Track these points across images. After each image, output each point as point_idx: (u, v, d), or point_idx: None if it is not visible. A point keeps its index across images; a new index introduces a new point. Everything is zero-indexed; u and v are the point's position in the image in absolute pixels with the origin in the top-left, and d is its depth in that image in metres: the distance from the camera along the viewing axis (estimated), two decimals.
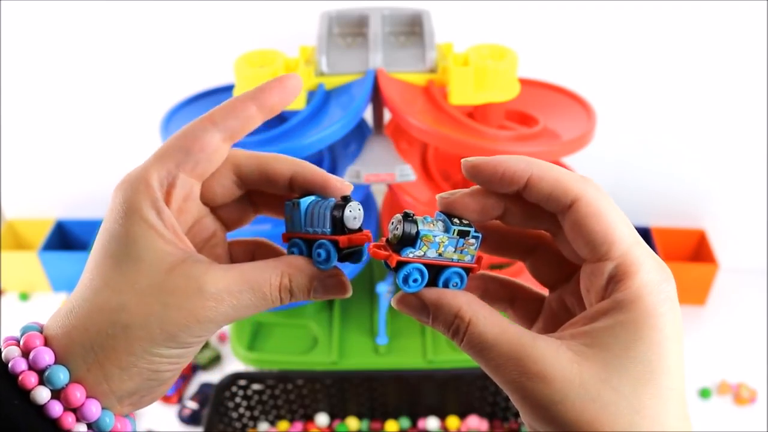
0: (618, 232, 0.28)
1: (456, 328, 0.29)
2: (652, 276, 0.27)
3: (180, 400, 0.93)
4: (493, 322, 0.28)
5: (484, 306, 0.29)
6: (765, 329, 1.01)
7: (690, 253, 1.10)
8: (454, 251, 0.31)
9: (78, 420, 0.28)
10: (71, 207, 1.14)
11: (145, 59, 0.99)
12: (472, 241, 0.31)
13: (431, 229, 0.30)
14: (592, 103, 0.81)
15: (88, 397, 0.29)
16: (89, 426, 0.29)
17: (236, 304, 0.30)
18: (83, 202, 1.13)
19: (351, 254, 0.32)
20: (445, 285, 0.31)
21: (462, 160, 0.31)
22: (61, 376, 0.28)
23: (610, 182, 1.07)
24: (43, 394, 0.28)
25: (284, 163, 0.32)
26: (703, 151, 1.03)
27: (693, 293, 1.05)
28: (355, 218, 0.31)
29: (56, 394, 0.28)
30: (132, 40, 0.98)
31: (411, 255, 0.30)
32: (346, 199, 0.31)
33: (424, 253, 0.30)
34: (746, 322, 1.03)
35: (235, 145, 0.33)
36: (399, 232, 0.30)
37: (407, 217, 0.30)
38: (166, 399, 0.92)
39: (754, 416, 0.90)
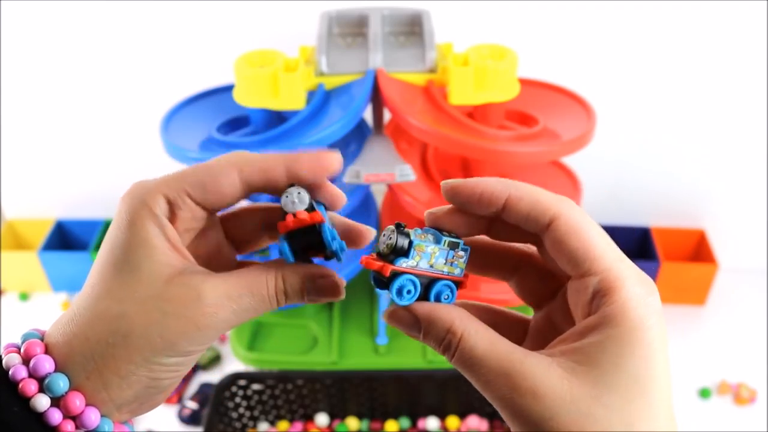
0: (599, 248, 0.28)
1: (448, 343, 0.29)
2: (636, 290, 0.27)
3: (180, 400, 0.93)
4: (484, 338, 0.28)
5: (476, 321, 0.29)
6: (765, 329, 1.01)
7: (690, 253, 1.11)
8: (445, 263, 0.31)
9: (77, 427, 0.28)
10: (71, 207, 1.14)
11: (145, 59, 0.99)
12: (462, 253, 0.31)
13: (423, 239, 0.30)
14: (592, 103, 0.81)
15: (87, 404, 0.29)
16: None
17: (236, 308, 0.30)
18: (83, 202, 1.13)
19: (314, 246, 0.31)
20: (437, 298, 0.31)
21: (441, 183, 0.31)
22: (61, 384, 0.28)
23: (610, 182, 1.07)
24: (42, 402, 0.28)
25: (280, 165, 0.32)
26: (703, 151, 1.03)
27: (693, 293, 1.05)
28: (293, 203, 0.30)
29: (56, 401, 0.28)
30: (132, 40, 0.98)
31: (404, 265, 0.30)
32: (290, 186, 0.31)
33: (417, 263, 0.30)
34: (746, 322, 1.03)
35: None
36: (393, 241, 0.30)
37: (399, 228, 0.30)
38: (166, 399, 0.92)
39: (754, 416, 0.90)
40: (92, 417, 0.28)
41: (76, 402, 0.28)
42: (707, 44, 0.93)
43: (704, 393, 0.92)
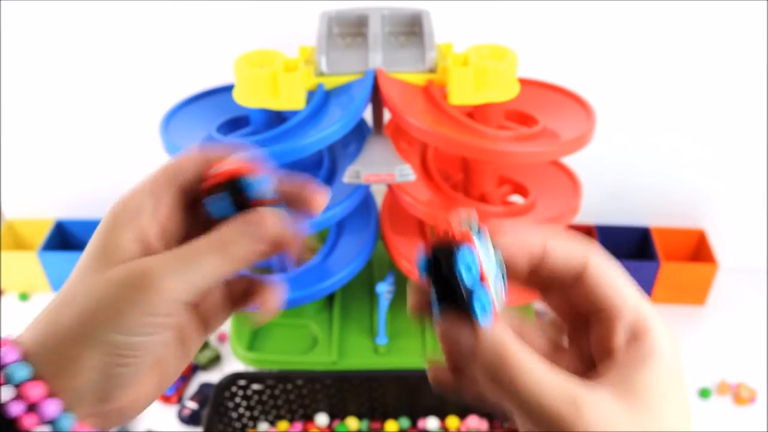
0: (627, 292, 0.31)
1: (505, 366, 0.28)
2: (662, 326, 0.31)
3: (180, 400, 0.93)
4: (543, 367, 0.28)
5: (529, 348, 0.29)
6: (765, 329, 1.01)
7: (690, 253, 1.10)
8: (495, 278, 0.29)
9: (39, 422, 0.28)
10: (71, 207, 1.14)
11: (145, 59, 0.99)
12: (502, 283, 0.30)
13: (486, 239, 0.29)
14: (592, 103, 0.81)
15: (48, 396, 0.28)
16: (49, 423, 0.29)
17: (188, 285, 0.31)
18: (83, 202, 1.13)
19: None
20: (482, 309, 0.28)
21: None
22: (21, 372, 0.28)
23: (610, 182, 1.07)
24: (3, 393, 0.28)
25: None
26: (703, 151, 1.03)
27: (693, 293, 1.05)
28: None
29: (17, 393, 0.28)
30: (132, 40, 0.98)
31: (478, 248, 0.28)
32: None
33: (482, 255, 0.28)
34: (746, 322, 1.03)
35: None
36: (473, 221, 0.29)
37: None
38: (166, 399, 0.92)
39: (754, 416, 0.90)
40: (51, 408, 0.28)
41: (34, 391, 0.28)
42: (707, 44, 0.93)
43: (704, 393, 0.92)
